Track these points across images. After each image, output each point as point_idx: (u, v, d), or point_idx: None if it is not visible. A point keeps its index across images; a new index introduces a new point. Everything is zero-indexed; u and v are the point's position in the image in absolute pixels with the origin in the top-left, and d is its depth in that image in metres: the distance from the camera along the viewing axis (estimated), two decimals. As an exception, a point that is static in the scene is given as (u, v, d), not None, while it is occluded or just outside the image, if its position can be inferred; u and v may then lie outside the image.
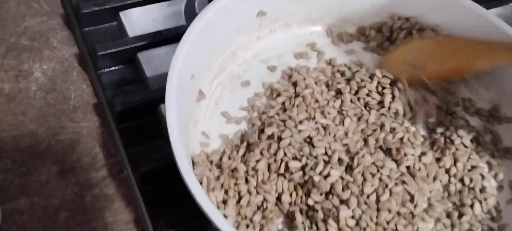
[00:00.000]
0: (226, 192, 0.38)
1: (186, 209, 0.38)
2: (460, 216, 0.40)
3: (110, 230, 0.42)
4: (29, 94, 0.48)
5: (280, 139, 0.41)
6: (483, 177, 0.42)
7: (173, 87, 0.38)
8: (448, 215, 0.39)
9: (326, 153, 0.41)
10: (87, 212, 0.42)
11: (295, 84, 0.45)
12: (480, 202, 0.40)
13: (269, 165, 0.40)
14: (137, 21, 0.52)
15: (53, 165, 0.44)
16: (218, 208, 0.37)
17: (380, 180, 0.39)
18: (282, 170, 0.40)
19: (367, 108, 0.45)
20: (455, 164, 0.42)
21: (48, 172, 0.44)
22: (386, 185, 0.39)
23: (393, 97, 0.45)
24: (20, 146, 0.45)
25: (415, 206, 0.39)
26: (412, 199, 0.39)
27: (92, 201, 0.43)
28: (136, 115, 0.45)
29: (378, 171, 0.40)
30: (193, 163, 0.38)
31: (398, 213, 0.38)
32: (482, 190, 0.41)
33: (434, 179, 0.41)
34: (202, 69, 0.44)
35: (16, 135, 0.46)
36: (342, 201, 0.38)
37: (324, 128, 0.43)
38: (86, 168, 0.45)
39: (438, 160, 0.42)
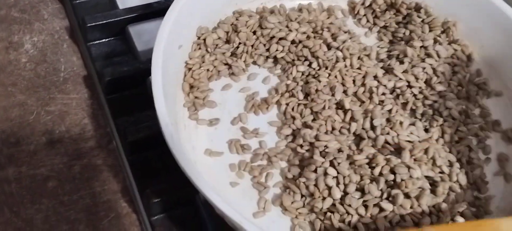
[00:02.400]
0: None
1: (173, 178, 0.38)
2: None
3: (98, 199, 0.42)
4: (19, 66, 0.48)
5: None
6: (470, 149, 0.42)
7: (159, 55, 0.38)
8: (433, 184, 0.39)
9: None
10: (76, 181, 0.42)
11: None
12: (466, 174, 0.40)
13: None
14: (129, -5, 0.52)
15: (42, 135, 0.44)
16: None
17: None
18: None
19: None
20: (442, 135, 0.42)
21: (37, 142, 0.44)
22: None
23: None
24: (9, 116, 0.45)
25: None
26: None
27: (80, 171, 0.43)
28: (125, 86, 0.45)
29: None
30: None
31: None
32: (469, 161, 0.41)
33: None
34: (192, 40, 0.43)
35: (5, 105, 0.46)
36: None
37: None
38: (75, 138, 0.45)
39: (426, 130, 0.42)
